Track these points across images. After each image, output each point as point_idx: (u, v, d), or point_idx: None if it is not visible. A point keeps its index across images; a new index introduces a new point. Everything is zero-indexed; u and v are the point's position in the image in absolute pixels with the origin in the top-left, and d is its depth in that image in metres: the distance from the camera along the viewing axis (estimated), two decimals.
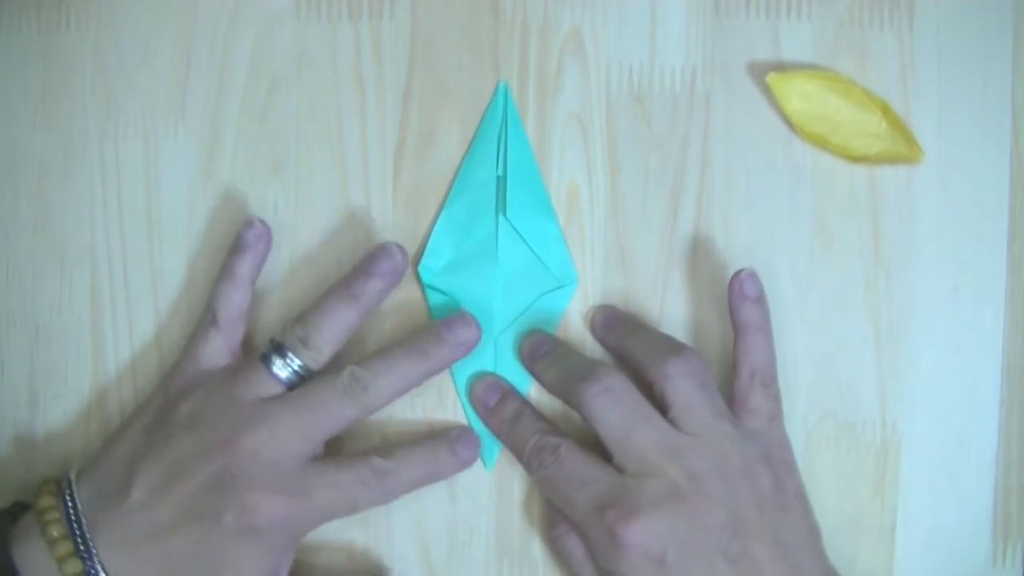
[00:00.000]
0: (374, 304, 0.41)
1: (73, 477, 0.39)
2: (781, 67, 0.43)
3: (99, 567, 0.37)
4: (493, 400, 0.43)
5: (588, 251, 0.44)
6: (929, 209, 0.44)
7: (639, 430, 0.38)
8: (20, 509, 0.40)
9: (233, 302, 0.41)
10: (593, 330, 0.44)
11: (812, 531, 0.40)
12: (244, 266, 0.41)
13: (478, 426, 0.44)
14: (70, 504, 0.38)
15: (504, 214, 0.43)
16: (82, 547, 0.37)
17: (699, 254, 0.44)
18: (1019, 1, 0.44)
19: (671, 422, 0.39)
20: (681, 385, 0.39)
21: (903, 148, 0.43)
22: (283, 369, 0.39)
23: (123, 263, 0.44)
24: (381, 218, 0.44)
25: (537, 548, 0.44)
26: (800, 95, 0.43)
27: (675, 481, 0.37)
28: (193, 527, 0.37)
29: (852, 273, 0.44)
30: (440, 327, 0.41)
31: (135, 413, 0.41)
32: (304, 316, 0.40)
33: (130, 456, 0.39)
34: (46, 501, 0.38)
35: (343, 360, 0.40)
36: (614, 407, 0.39)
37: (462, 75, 0.44)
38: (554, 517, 0.41)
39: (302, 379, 0.40)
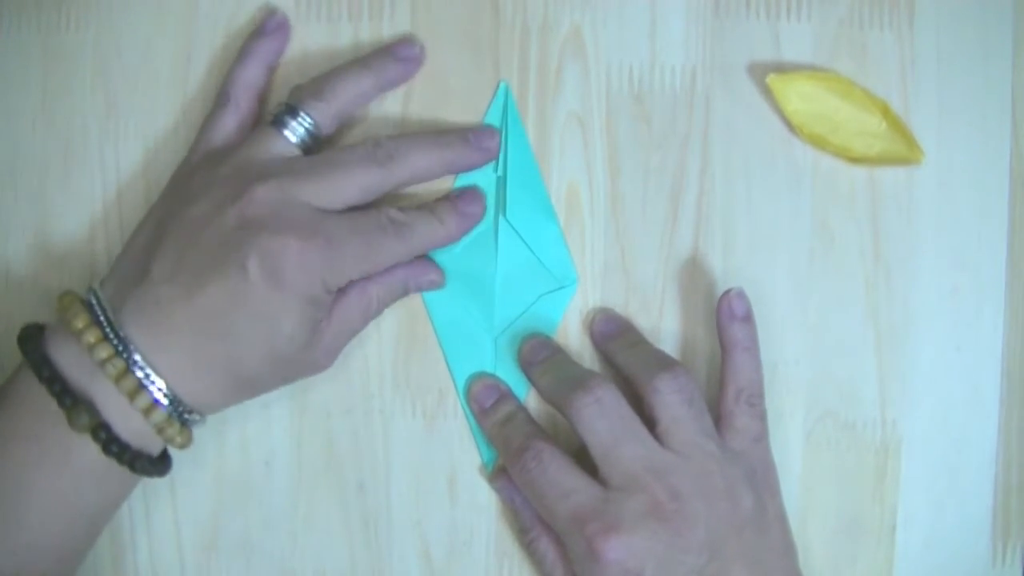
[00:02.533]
0: (388, 83, 0.42)
1: (96, 284, 0.39)
2: (781, 67, 0.43)
3: (131, 348, 0.37)
4: (489, 401, 0.43)
5: (588, 251, 0.44)
6: (929, 209, 0.44)
7: (625, 444, 0.38)
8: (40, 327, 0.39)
9: (247, 80, 0.41)
10: (591, 337, 0.44)
11: (789, 552, 0.40)
12: (261, 47, 0.42)
13: (480, 432, 0.44)
14: (93, 300, 0.38)
15: (504, 215, 0.43)
16: (110, 333, 0.37)
17: (699, 254, 0.44)
18: (1019, 1, 0.44)
19: (658, 438, 0.39)
20: (669, 401, 0.39)
21: (903, 148, 0.43)
22: (295, 130, 0.39)
23: None
24: None
25: None
26: (800, 96, 0.43)
27: (658, 499, 0.38)
28: (219, 281, 0.37)
29: (852, 273, 0.44)
30: (467, 131, 0.42)
31: (151, 207, 0.41)
32: (316, 78, 0.41)
33: (146, 242, 0.39)
34: (67, 300, 0.38)
35: None
36: (603, 419, 0.39)
37: (462, 75, 0.44)
38: (526, 521, 0.42)
39: (316, 144, 0.40)
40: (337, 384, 0.44)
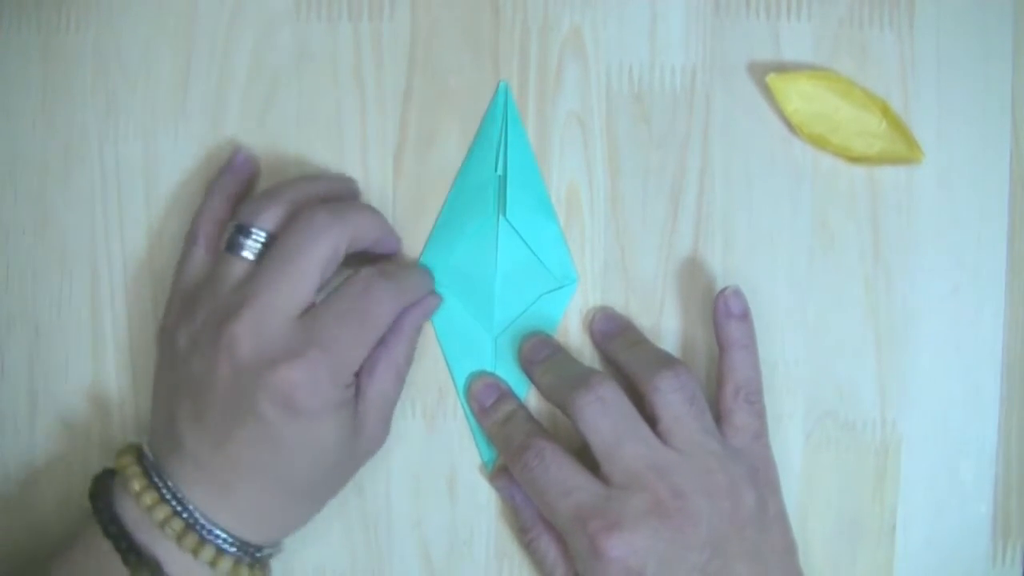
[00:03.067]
0: (335, 190, 0.41)
1: (144, 442, 0.40)
2: (781, 67, 0.43)
3: (189, 506, 0.37)
4: (489, 400, 0.43)
5: (588, 251, 0.44)
6: (929, 209, 0.44)
7: (627, 442, 0.38)
8: (111, 474, 0.40)
9: (211, 216, 0.41)
10: (591, 336, 0.44)
11: (789, 549, 0.40)
12: (226, 182, 0.42)
13: (480, 432, 0.44)
14: (146, 461, 0.38)
15: (504, 214, 0.43)
16: (166, 493, 0.37)
17: (699, 254, 0.44)
18: (1019, 1, 0.44)
19: (660, 436, 0.39)
20: (670, 399, 0.39)
21: (903, 148, 0.43)
22: (251, 248, 0.39)
23: (123, 263, 0.44)
24: None
25: None
26: (800, 95, 0.43)
27: (660, 497, 0.38)
28: (243, 434, 0.37)
29: (852, 273, 0.44)
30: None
31: (157, 369, 0.41)
32: (258, 192, 0.41)
33: (167, 411, 0.39)
34: (124, 460, 0.39)
35: None
36: (605, 417, 0.39)
37: (462, 75, 0.44)
38: (526, 520, 0.42)
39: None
40: None
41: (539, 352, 0.42)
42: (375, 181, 0.44)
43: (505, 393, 0.43)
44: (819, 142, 0.43)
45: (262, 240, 0.39)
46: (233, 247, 0.39)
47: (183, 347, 0.39)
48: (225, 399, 0.37)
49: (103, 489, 0.39)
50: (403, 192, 0.44)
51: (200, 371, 0.38)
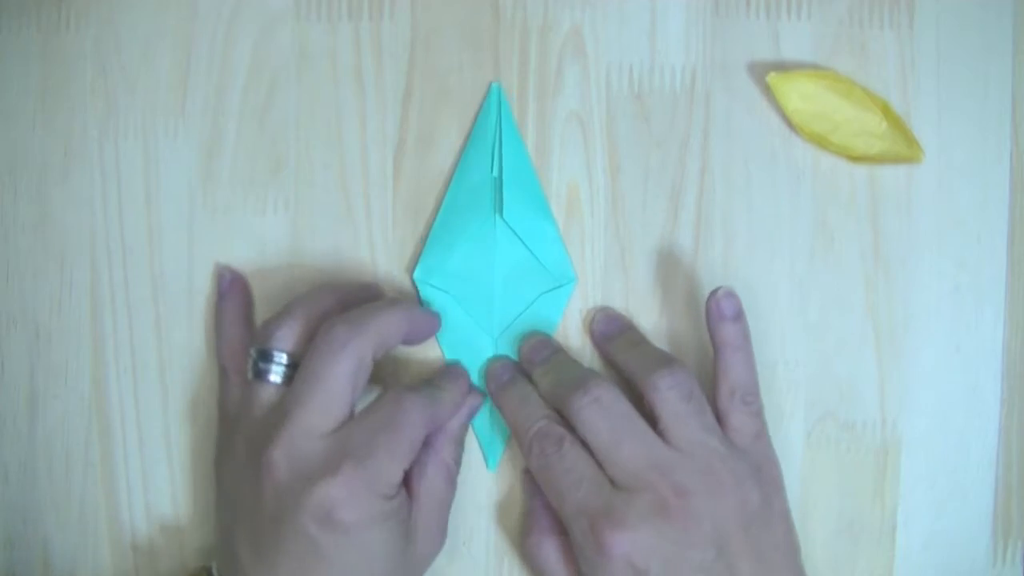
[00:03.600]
0: (351, 299, 0.41)
1: (213, 566, 0.40)
2: (781, 67, 0.43)
3: None
4: (506, 376, 0.43)
5: (588, 251, 0.44)
6: (929, 209, 0.44)
7: (627, 443, 0.38)
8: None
9: (231, 346, 0.42)
10: (592, 337, 0.44)
11: (792, 548, 0.40)
12: (228, 309, 0.43)
13: (481, 431, 0.44)
14: None
15: (500, 215, 0.43)
16: None
17: (699, 254, 0.44)
18: (1019, 1, 0.44)
19: (661, 435, 0.39)
20: (668, 397, 0.39)
21: (903, 148, 0.43)
22: (276, 371, 0.39)
23: (123, 263, 0.44)
24: (381, 218, 0.44)
25: None
26: (800, 95, 0.43)
27: (663, 496, 0.38)
28: (291, 552, 0.37)
29: (852, 273, 0.44)
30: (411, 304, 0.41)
31: (216, 494, 0.42)
32: (264, 323, 0.40)
33: (227, 533, 0.40)
34: None
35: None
36: (603, 419, 0.39)
37: (462, 75, 0.44)
38: (529, 525, 0.42)
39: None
40: None
41: (539, 352, 0.42)
42: (375, 181, 0.44)
43: (522, 374, 0.43)
44: (819, 142, 0.43)
45: (284, 362, 0.39)
46: (259, 374, 0.39)
47: (230, 475, 0.40)
48: (272, 521, 0.37)
49: None
50: (403, 192, 0.44)
51: (248, 498, 0.38)
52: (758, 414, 0.41)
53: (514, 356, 0.43)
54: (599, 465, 0.39)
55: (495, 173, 0.43)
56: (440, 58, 0.44)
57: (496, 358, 0.43)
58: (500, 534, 0.44)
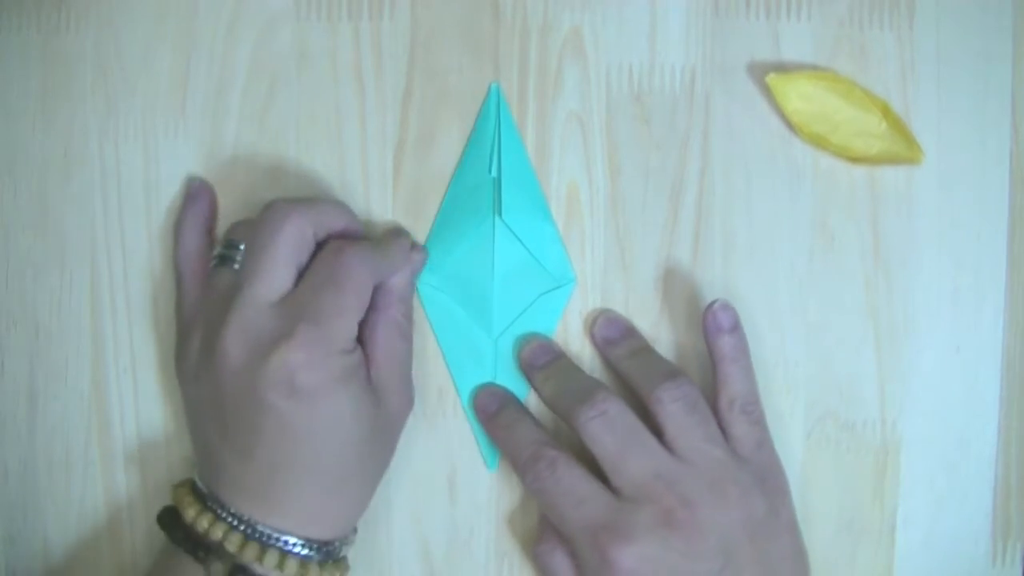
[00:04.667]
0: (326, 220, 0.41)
1: (195, 476, 0.40)
2: (781, 67, 0.43)
3: (241, 518, 0.37)
4: (493, 407, 0.43)
5: (588, 251, 0.44)
6: (929, 209, 0.44)
7: (634, 455, 0.39)
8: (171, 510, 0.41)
9: (188, 253, 0.42)
10: (593, 340, 0.44)
11: (800, 556, 0.40)
12: (190, 215, 0.42)
13: (480, 432, 0.44)
14: (198, 490, 0.39)
15: (500, 215, 0.43)
16: (221, 512, 0.38)
17: (699, 254, 0.44)
18: (1019, 1, 0.44)
19: (666, 446, 0.39)
20: (672, 409, 0.39)
21: (903, 148, 0.43)
22: (239, 259, 0.39)
23: (123, 263, 0.44)
24: (381, 218, 0.44)
25: None
26: (800, 95, 0.43)
27: (669, 508, 0.38)
28: (261, 432, 0.37)
29: (852, 273, 0.44)
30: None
31: (183, 401, 0.41)
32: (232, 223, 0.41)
33: (198, 433, 0.40)
34: (178, 493, 0.39)
35: None
36: (610, 432, 0.39)
37: (462, 75, 0.44)
38: (541, 532, 0.41)
39: None
40: None
41: (539, 357, 0.42)
42: (375, 181, 0.44)
43: (509, 400, 0.43)
44: (819, 142, 0.43)
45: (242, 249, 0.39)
46: (223, 261, 0.39)
47: (192, 380, 0.39)
48: (237, 407, 0.37)
49: (168, 524, 0.39)
50: (403, 192, 0.44)
51: (210, 390, 0.38)
52: (759, 422, 0.41)
53: (515, 357, 0.43)
54: (599, 478, 0.39)
55: (494, 174, 0.43)
56: (440, 58, 0.44)
57: (482, 388, 0.43)
58: (500, 534, 0.44)
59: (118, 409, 0.44)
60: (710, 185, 0.44)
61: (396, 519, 0.44)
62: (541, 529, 0.42)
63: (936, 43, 0.44)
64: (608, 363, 0.43)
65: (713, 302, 0.41)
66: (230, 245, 0.39)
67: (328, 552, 0.38)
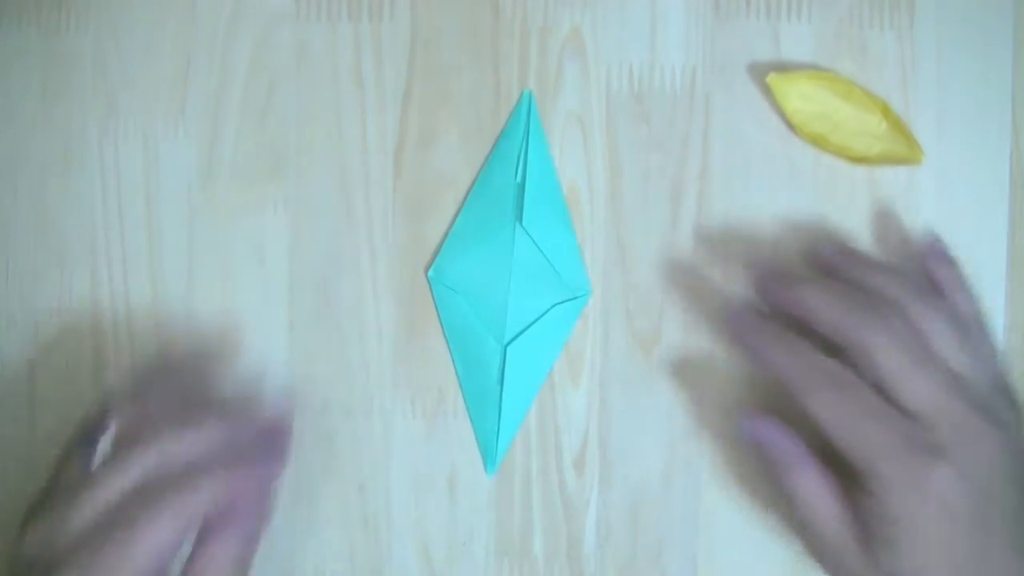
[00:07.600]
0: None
1: None
2: (781, 67, 0.43)
3: None
4: (754, 318, 0.40)
5: (588, 251, 0.44)
6: (929, 209, 0.44)
7: (925, 371, 0.37)
8: None
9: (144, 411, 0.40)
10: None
11: None
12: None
13: (481, 435, 0.44)
14: None
15: (520, 222, 0.43)
16: None
17: (699, 254, 0.44)
18: (1019, 1, 0.44)
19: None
20: (938, 328, 0.38)
21: (903, 148, 0.43)
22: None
23: (123, 263, 0.44)
24: (381, 218, 0.44)
25: (538, 547, 0.44)
26: (800, 95, 0.43)
27: (975, 422, 0.36)
28: None
29: None
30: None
31: None
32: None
33: None
34: None
35: None
36: (900, 344, 0.37)
37: (462, 75, 0.44)
38: (786, 464, 0.39)
39: None
40: (337, 384, 0.44)
41: (846, 261, 0.41)
42: (375, 181, 0.44)
43: (766, 320, 0.41)
44: (819, 142, 0.43)
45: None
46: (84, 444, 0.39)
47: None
48: None
49: None
50: (403, 192, 0.44)
51: None
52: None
53: (523, 365, 0.43)
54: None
55: (519, 180, 0.43)
56: (440, 58, 0.44)
57: (736, 310, 0.41)
58: (500, 534, 0.44)
59: None
60: (710, 185, 0.44)
61: (396, 520, 0.44)
62: (783, 461, 0.39)
63: (936, 43, 0.44)
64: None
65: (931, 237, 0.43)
66: (99, 431, 0.39)
67: None
